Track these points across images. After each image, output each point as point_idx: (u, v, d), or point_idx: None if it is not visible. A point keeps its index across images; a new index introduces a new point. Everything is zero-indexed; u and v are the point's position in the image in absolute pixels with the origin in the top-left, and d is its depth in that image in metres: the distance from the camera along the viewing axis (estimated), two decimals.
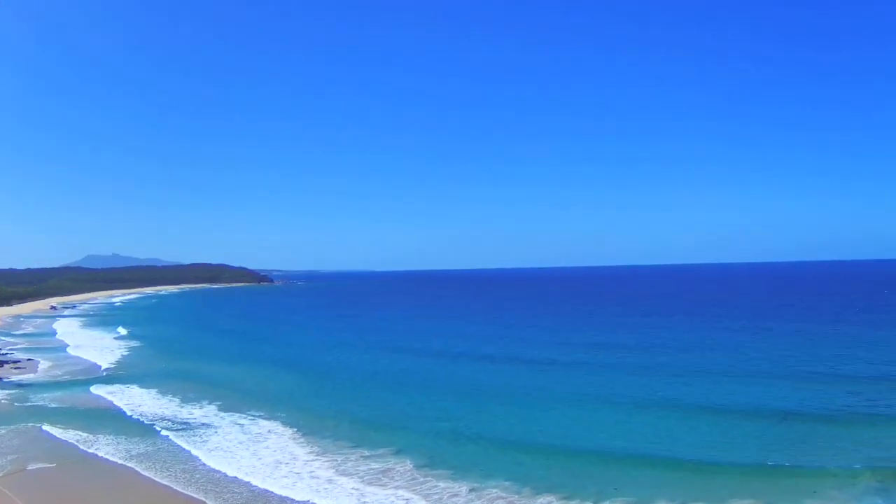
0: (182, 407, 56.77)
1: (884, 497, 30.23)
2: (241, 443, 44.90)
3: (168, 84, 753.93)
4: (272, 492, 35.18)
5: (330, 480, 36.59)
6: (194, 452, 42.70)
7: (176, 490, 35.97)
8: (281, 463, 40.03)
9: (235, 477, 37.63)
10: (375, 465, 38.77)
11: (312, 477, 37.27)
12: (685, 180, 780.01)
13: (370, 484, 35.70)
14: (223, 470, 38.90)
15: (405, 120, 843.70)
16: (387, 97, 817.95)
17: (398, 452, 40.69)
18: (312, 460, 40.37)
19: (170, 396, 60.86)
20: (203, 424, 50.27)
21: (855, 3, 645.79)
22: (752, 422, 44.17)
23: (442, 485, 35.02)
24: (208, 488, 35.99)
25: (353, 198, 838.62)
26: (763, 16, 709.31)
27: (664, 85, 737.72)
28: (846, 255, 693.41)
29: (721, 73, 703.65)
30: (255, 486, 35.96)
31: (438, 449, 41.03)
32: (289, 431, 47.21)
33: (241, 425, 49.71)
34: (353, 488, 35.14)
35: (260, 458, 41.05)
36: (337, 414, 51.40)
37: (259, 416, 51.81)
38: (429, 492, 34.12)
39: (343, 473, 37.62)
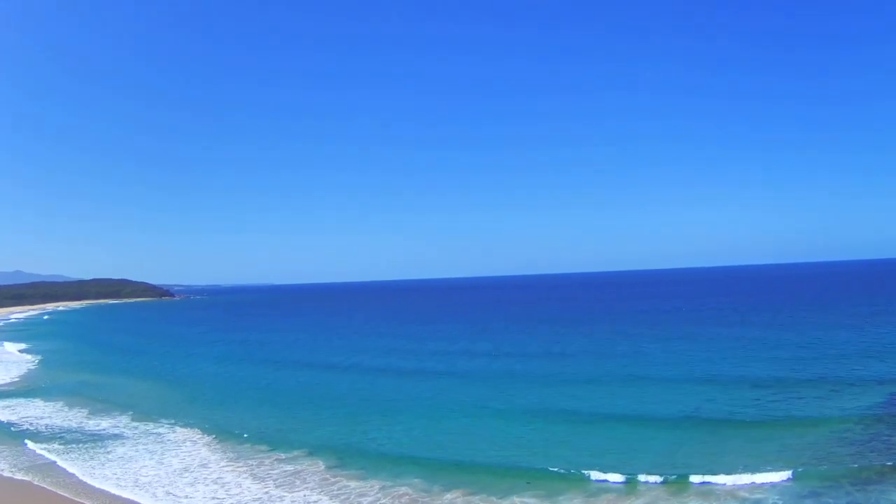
0: (89, 419, 55.27)
1: (814, 499, 30.27)
2: (151, 451, 44.07)
3: (75, 91, 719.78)
4: (174, 494, 35.16)
5: (238, 485, 36.39)
6: (99, 462, 41.84)
7: (74, 500, 35.06)
8: (188, 470, 39.59)
9: (139, 484, 37.11)
10: (289, 468, 38.96)
11: (217, 482, 36.97)
12: (681, 183, 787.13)
13: (280, 486, 35.71)
14: (128, 478, 38.25)
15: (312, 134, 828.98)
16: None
17: (310, 454, 41.13)
18: (225, 465, 40.10)
19: (77, 409, 59.27)
20: (113, 435, 49.06)
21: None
22: (657, 428, 43.70)
23: (352, 485, 35.38)
24: (108, 498, 35.32)
25: (256, 210, 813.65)
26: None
27: (655, 88, 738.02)
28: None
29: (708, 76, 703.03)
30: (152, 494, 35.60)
31: (349, 452, 41.32)
32: (203, 440, 46.65)
33: (152, 435, 48.78)
34: (264, 492, 34.96)
35: (168, 466, 40.51)
36: (247, 422, 50.96)
37: (170, 427, 50.88)
38: (338, 492, 34.41)
39: (255, 477, 37.46)
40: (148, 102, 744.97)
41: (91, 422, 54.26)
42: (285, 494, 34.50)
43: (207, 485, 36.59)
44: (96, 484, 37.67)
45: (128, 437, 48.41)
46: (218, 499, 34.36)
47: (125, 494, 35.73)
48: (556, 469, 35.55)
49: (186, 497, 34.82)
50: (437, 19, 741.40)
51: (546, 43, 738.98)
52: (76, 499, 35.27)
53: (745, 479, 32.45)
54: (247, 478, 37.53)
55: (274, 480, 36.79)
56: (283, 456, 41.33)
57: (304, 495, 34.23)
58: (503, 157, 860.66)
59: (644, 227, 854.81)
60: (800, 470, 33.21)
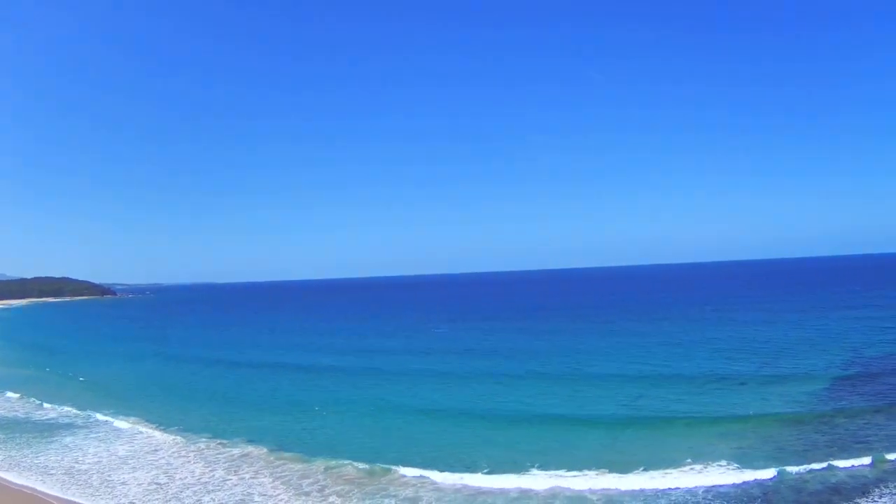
0: (39, 409, 55.99)
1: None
2: (101, 440, 44.82)
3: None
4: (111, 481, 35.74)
5: (185, 468, 37.31)
6: (33, 452, 42.53)
7: (8, 483, 35.61)
8: (134, 456, 40.34)
9: (72, 472, 37.74)
10: (235, 451, 40.25)
11: (161, 468, 37.70)
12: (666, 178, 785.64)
13: (227, 470, 36.69)
14: (59, 467, 38.84)
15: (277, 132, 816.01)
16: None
17: (253, 442, 42.11)
18: (173, 451, 41.11)
19: (26, 399, 60.23)
20: (64, 425, 49.82)
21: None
22: (591, 426, 42.74)
23: (297, 467, 36.58)
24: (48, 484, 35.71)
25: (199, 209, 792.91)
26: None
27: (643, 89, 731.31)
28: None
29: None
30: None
31: (289, 440, 42.60)
32: (149, 429, 47.48)
33: (100, 425, 49.53)
34: (211, 474, 35.80)
35: (113, 454, 41.15)
36: (188, 413, 52.03)
37: (117, 418, 51.37)
38: (283, 473, 35.55)
39: (203, 461, 38.44)
40: (98, 96, 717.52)
41: (39, 412, 54.98)
42: (231, 476, 35.51)
43: (150, 471, 37.19)
44: (52, 469, 38.26)
45: (79, 427, 49.04)
46: (159, 483, 34.88)
47: (31, 483, 35.90)
48: (490, 466, 35.01)
49: (122, 483, 35.22)
50: (428, 19, 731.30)
51: (540, 39, 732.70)
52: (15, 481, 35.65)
53: (690, 476, 31.92)
54: (194, 462, 38.45)
55: (221, 464, 37.75)
56: (226, 442, 42.37)
57: (251, 476, 35.32)
58: (480, 154, 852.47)
59: (627, 222, 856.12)
60: (747, 463, 33.24)
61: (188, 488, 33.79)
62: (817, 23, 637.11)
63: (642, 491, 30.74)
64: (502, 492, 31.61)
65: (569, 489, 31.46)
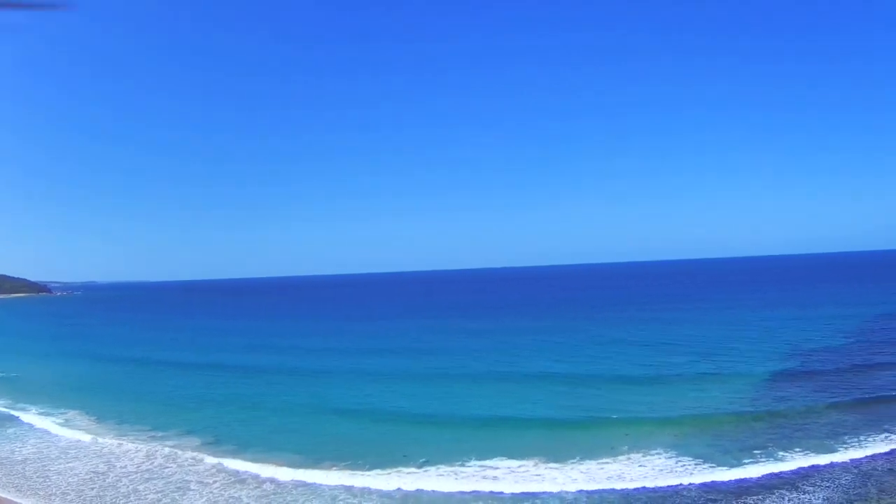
0: None
1: None
2: (37, 433, 45.47)
3: None
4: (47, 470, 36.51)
5: (125, 455, 38.76)
6: None
7: None
8: (76, 447, 41.38)
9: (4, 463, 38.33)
10: (170, 443, 41.33)
11: (101, 456, 38.96)
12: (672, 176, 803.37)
13: (166, 457, 38.21)
14: (10, 457, 39.41)
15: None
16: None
17: (189, 433, 43.72)
18: (111, 441, 42.20)
19: None
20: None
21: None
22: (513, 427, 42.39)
23: (230, 456, 37.95)
24: None
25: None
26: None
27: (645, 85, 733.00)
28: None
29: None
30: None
31: (221, 433, 43.99)
32: (88, 421, 48.30)
33: (39, 418, 49.82)
34: (150, 463, 37.20)
35: (55, 445, 42.11)
36: (122, 408, 52.37)
37: (57, 412, 51.58)
38: (218, 462, 36.91)
39: (142, 451, 39.57)
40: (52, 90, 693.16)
41: None
42: (169, 465, 36.98)
43: (89, 461, 38.24)
44: None
45: (13, 421, 49.37)
46: (97, 472, 35.93)
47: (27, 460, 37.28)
48: (421, 465, 35.31)
49: (58, 473, 36.06)
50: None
51: (538, 45, 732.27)
52: None
53: (628, 469, 32.36)
54: (133, 453, 39.62)
55: (158, 455, 39.01)
56: (163, 434, 43.81)
57: (190, 464, 36.78)
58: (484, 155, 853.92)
59: (625, 219, 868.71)
60: (685, 453, 34.07)
61: (126, 477, 35.04)
62: (821, 23, 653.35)
63: (582, 490, 30.38)
64: (434, 491, 31.62)
65: (497, 491, 31.03)
